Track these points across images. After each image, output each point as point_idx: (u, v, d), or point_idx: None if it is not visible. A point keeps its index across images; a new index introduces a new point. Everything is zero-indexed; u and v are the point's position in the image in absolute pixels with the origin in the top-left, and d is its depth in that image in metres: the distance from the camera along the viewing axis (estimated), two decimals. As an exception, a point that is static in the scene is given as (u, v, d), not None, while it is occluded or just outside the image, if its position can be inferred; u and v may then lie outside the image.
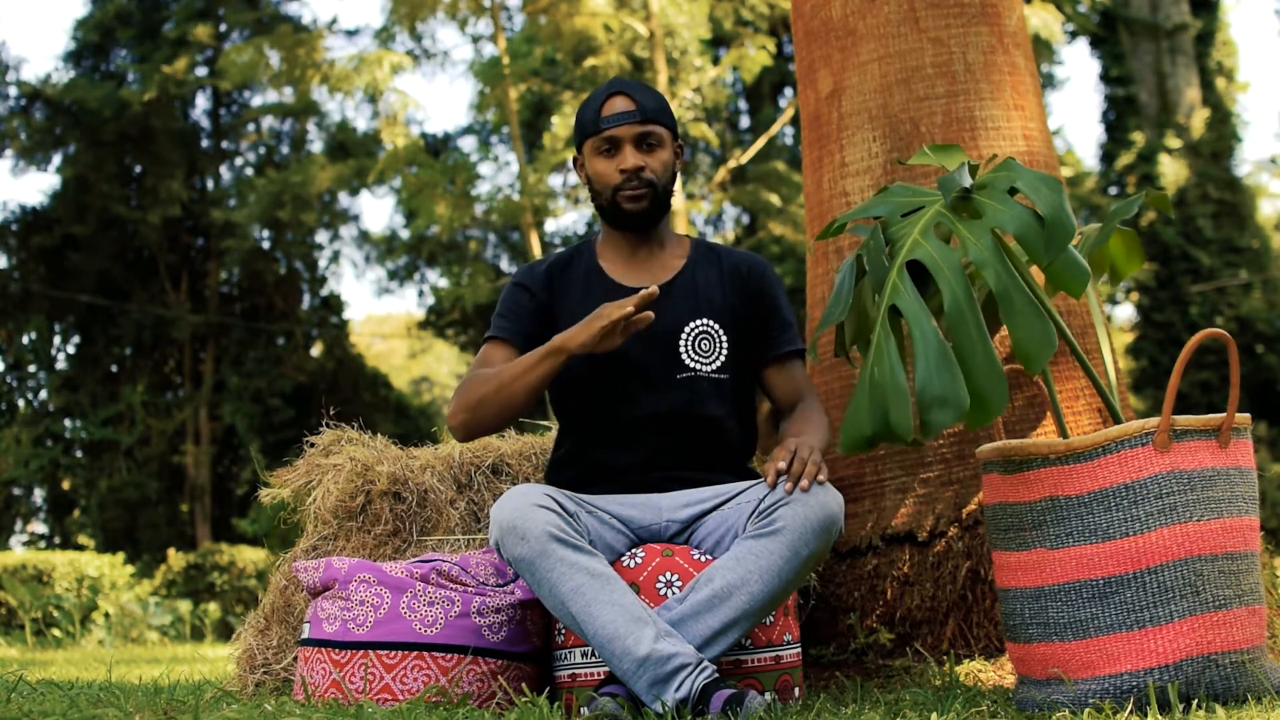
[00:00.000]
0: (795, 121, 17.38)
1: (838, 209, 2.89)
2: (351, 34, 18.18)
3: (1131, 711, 1.85)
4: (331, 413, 3.02)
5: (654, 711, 1.91)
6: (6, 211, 19.04)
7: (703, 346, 2.35)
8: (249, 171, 20.46)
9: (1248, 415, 2.05)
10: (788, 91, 19.16)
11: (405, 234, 19.14)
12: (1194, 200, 16.48)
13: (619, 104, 2.35)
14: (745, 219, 18.87)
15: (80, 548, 17.07)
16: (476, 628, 2.24)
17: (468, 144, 20.13)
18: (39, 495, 19.34)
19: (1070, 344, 2.17)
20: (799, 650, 2.27)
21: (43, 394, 19.05)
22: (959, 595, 2.59)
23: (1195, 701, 1.87)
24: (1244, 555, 1.95)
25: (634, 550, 2.22)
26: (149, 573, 14.81)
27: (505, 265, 19.65)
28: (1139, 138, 17.07)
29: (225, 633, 11.72)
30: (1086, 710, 1.86)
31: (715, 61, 17.13)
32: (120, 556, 12.94)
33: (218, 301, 19.63)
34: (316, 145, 20.27)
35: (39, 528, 19.67)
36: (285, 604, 2.74)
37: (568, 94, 15.93)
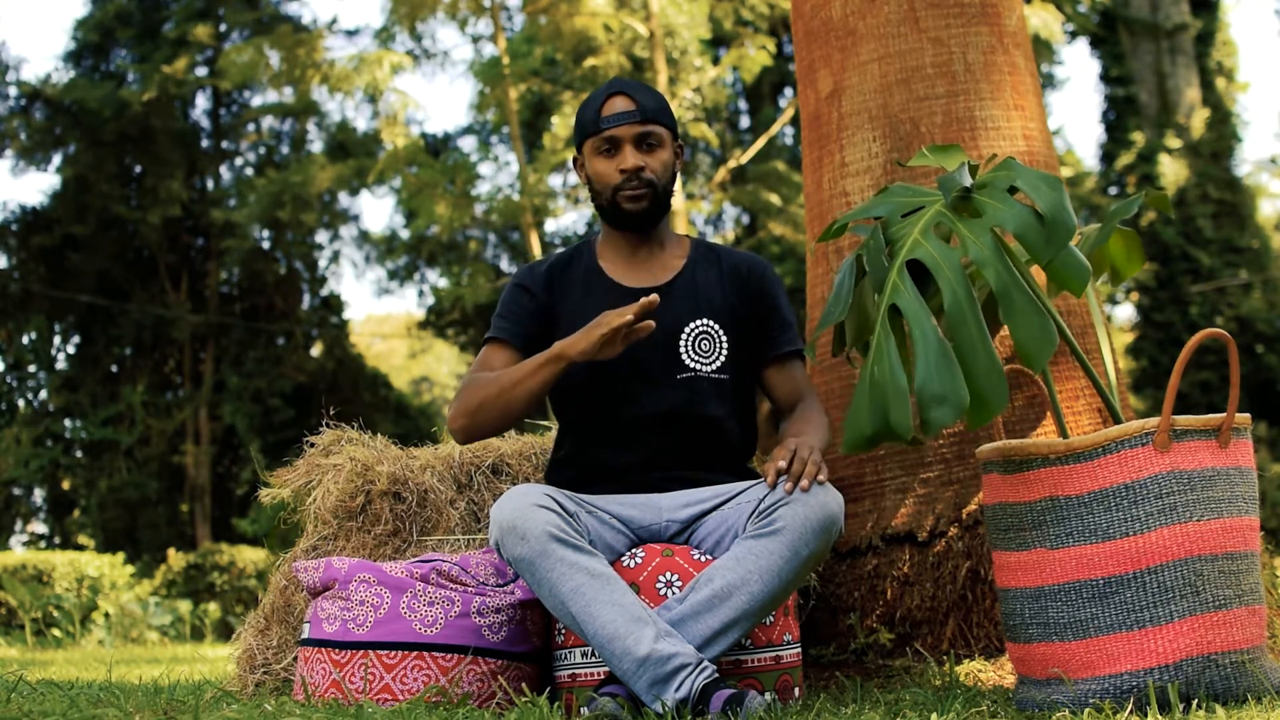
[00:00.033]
0: (795, 121, 17.38)
1: (838, 209, 2.89)
2: (351, 34, 18.20)
3: (1131, 711, 1.85)
4: (331, 413, 3.02)
5: (654, 711, 1.91)
6: (6, 211, 19.06)
7: (703, 346, 2.35)
8: (249, 171, 20.47)
9: (1248, 415, 2.05)
10: (788, 91, 19.16)
11: (405, 234, 19.15)
12: (1194, 200, 16.48)
13: (619, 104, 2.35)
14: (745, 219, 18.87)
15: (80, 548, 17.07)
16: (476, 628, 2.24)
17: (468, 144, 20.15)
18: (39, 495, 19.34)
19: (1070, 344, 2.17)
20: (799, 650, 2.27)
21: (43, 394, 19.05)
22: (959, 595, 2.59)
23: (1195, 701, 1.87)
24: (1244, 555, 1.95)
25: (634, 550, 2.22)
26: (149, 573, 14.81)
27: (505, 265, 19.66)
28: (1139, 138, 17.08)
29: (225, 633, 11.72)
30: (1086, 710, 1.86)
31: (715, 61, 17.13)
32: (120, 556, 12.94)
33: (218, 301, 19.63)
34: (316, 145, 20.28)
35: (39, 528, 19.69)
36: (285, 604, 2.74)
37: (568, 94, 15.93)
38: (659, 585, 2.14)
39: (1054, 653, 1.98)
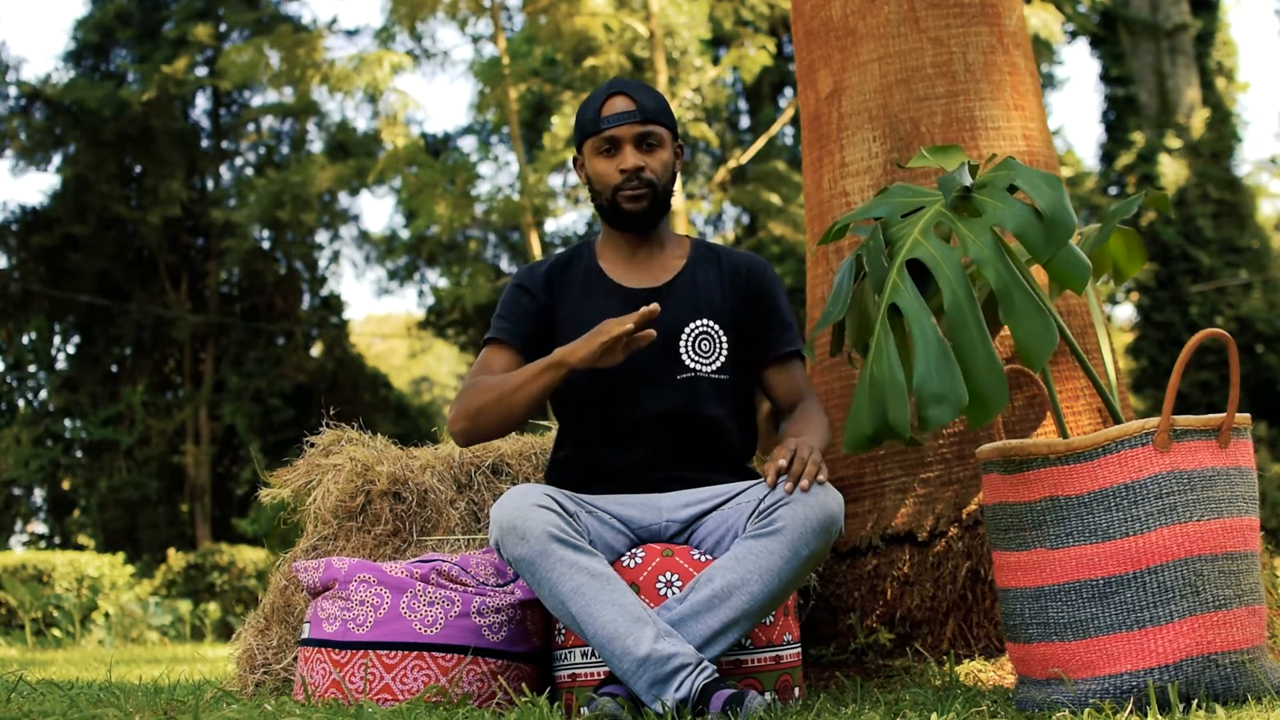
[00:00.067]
0: (795, 121, 17.38)
1: (838, 209, 2.89)
2: (351, 34, 18.20)
3: (1131, 711, 1.85)
4: (331, 413, 3.02)
5: (654, 711, 1.91)
6: (6, 211, 19.07)
7: (703, 347, 2.35)
8: (249, 171, 20.47)
9: (1248, 415, 2.05)
10: (788, 91, 19.16)
11: (405, 234, 19.15)
12: (1194, 200, 16.48)
13: (619, 104, 2.35)
14: (745, 219, 18.87)
15: (80, 548, 17.07)
16: (476, 628, 2.24)
17: (468, 144, 20.15)
18: (39, 495, 19.35)
19: (1070, 344, 2.17)
20: (799, 650, 2.27)
21: (43, 394, 19.06)
22: (959, 595, 2.59)
23: (1195, 701, 1.87)
24: (1244, 555, 1.95)
25: (634, 550, 2.22)
26: (149, 573, 14.81)
27: (505, 265, 19.66)
28: (1139, 138, 17.08)
29: (225, 633, 11.72)
30: (1086, 710, 1.86)
31: (715, 61, 17.13)
32: (120, 556, 12.94)
33: (218, 301, 19.63)
34: (316, 145, 20.29)
35: (39, 528, 19.69)
36: (285, 604, 2.74)
37: (568, 94, 15.93)
38: (659, 585, 2.14)
39: (1054, 653, 1.98)
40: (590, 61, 15.18)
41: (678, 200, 13.26)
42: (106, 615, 10.95)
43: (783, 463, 2.12)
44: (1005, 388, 1.90)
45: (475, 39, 17.05)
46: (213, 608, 12.07)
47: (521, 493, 2.13)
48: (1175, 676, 1.88)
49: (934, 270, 2.01)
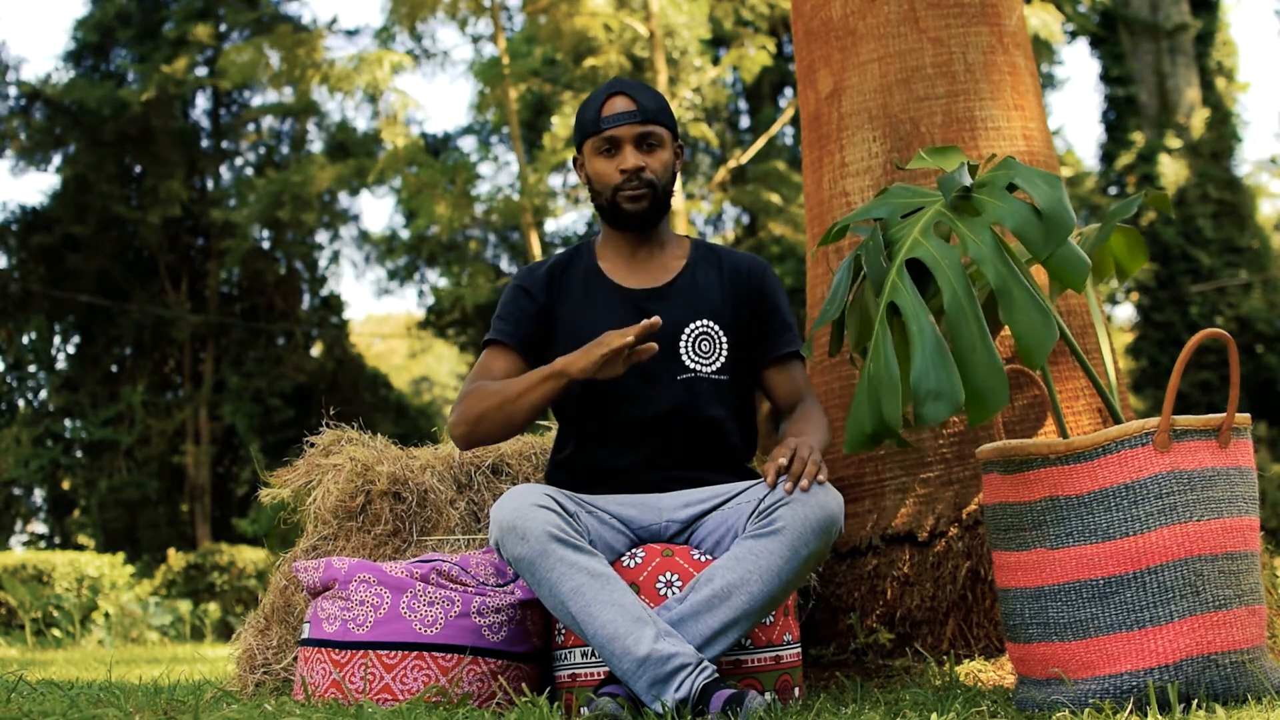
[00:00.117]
0: (795, 121, 17.38)
1: (838, 209, 2.89)
2: (351, 34, 18.20)
3: (1131, 711, 1.85)
4: (331, 413, 3.02)
5: (654, 711, 1.91)
6: (6, 211, 19.06)
7: (703, 347, 2.35)
8: (249, 171, 20.47)
9: (1248, 415, 2.06)
10: (788, 91, 19.16)
11: (405, 234, 19.15)
12: (1194, 200, 16.48)
13: (619, 104, 2.35)
14: (745, 219, 18.87)
15: (80, 548, 17.07)
16: (476, 628, 2.24)
17: (468, 144, 20.15)
18: (39, 495, 19.34)
19: (1070, 344, 2.17)
20: (799, 650, 2.27)
21: (43, 394, 19.06)
22: (959, 595, 2.59)
23: (1195, 701, 1.87)
24: (1244, 555, 1.96)
25: (634, 550, 2.22)
26: (149, 573, 14.81)
27: (505, 265, 19.66)
28: (1139, 138, 17.08)
29: (225, 633, 11.72)
30: (1086, 710, 1.86)
31: (715, 61, 17.13)
32: (120, 556, 12.94)
33: (218, 301, 19.63)
34: (316, 145, 20.28)
35: (39, 528, 19.69)
36: (285, 604, 2.74)
37: (568, 94, 15.93)
38: (659, 585, 2.14)
39: (1054, 653, 1.98)
40: (590, 61, 15.18)
41: (678, 200, 13.26)
42: (106, 615, 10.95)
43: (783, 462, 2.12)
44: (1005, 386, 1.90)
45: (475, 39, 17.06)
46: (213, 608, 12.07)
47: (521, 493, 2.13)
48: (1175, 676, 1.88)
49: (933, 269, 2.01)
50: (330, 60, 15.26)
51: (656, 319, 2.13)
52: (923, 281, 2.04)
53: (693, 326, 2.36)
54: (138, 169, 19.23)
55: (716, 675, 1.95)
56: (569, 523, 2.11)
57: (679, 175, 2.46)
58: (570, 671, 2.20)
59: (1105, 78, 17.79)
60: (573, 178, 16.10)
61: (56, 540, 19.01)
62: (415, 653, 2.21)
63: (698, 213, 17.43)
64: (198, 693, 2.45)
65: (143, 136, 18.50)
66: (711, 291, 2.40)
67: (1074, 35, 18.59)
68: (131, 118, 18.06)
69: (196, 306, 19.58)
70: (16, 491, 19.02)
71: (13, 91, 18.98)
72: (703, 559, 2.19)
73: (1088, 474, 1.96)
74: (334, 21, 23.53)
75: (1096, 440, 1.96)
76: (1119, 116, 17.54)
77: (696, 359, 2.34)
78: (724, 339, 2.37)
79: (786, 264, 16.01)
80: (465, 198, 15.22)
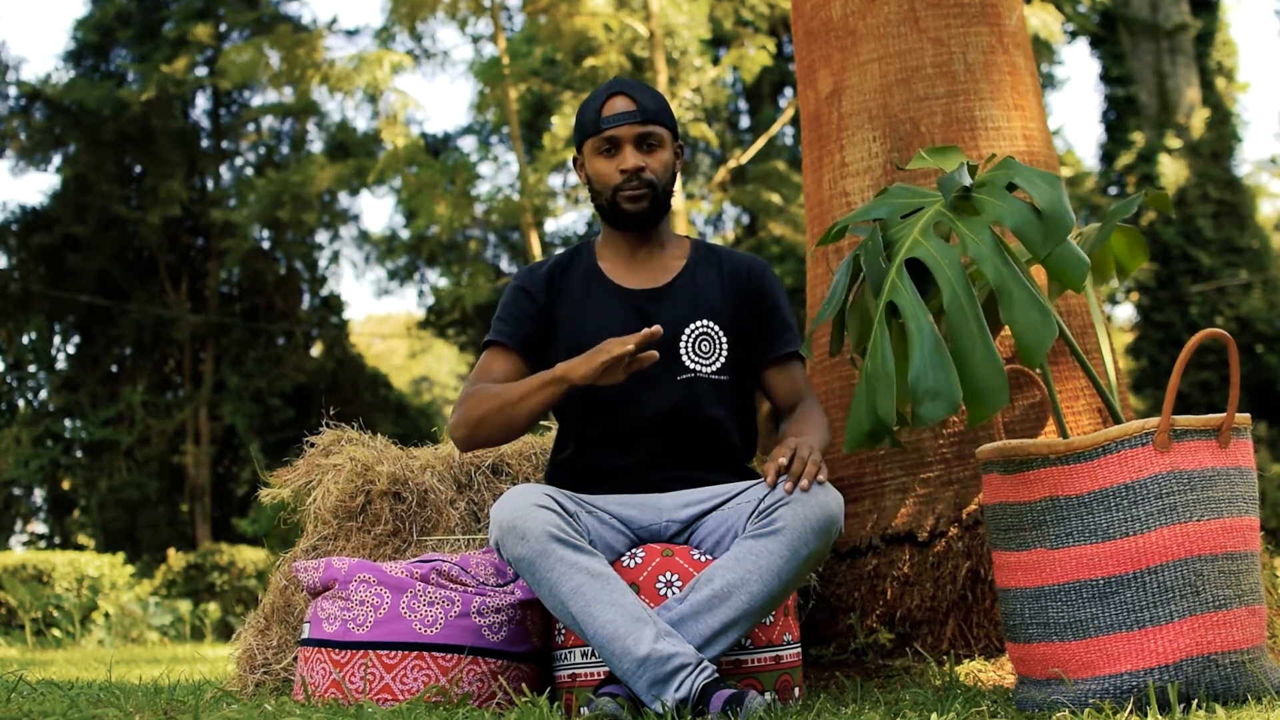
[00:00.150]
0: (795, 121, 17.38)
1: (838, 209, 2.89)
2: (351, 34, 18.19)
3: (1131, 711, 1.85)
4: (331, 413, 3.02)
5: (654, 711, 1.91)
6: (6, 211, 19.06)
7: (703, 348, 2.35)
8: (249, 171, 20.47)
9: (1248, 415, 2.06)
10: (788, 91, 19.16)
11: (405, 234, 19.15)
12: (1194, 200, 16.49)
13: (619, 104, 2.35)
14: (745, 219, 18.87)
15: (80, 548, 17.07)
16: (476, 628, 2.24)
17: (468, 144, 20.15)
18: (39, 495, 19.34)
19: (1070, 344, 2.17)
20: (799, 650, 2.27)
21: (43, 394, 19.06)
22: (959, 595, 2.59)
23: (1195, 701, 1.87)
24: (1244, 555, 1.96)
25: (634, 550, 2.22)
26: (149, 573, 14.81)
27: (505, 265, 19.66)
28: (1139, 138, 17.08)
29: (225, 633, 11.72)
30: (1086, 710, 1.86)
31: (715, 61, 17.13)
32: (120, 556, 12.94)
33: (218, 301, 19.63)
34: (316, 145, 20.28)
35: (39, 528, 19.69)
36: (285, 604, 2.74)
37: (568, 94, 15.93)
38: (659, 585, 2.14)
39: (1054, 653, 1.98)
40: (590, 61, 15.18)
41: (678, 200, 13.26)
42: (106, 615, 10.95)
43: (783, 462, 2.12)
44: (1005, 384, 1.90)
45: (475, 39, 17.06)
46: (213, 608, 12.07)
47: (521, 493, 2.13)
48: (1175, 676, 1.88)
49: (933, 268, 2.01)
50: (330, 60, 15.25)
51: (658, 328, 2.13)
52: (923, 281, 2.04)
53: (693, 327, 2.36)
54: (138, 169, 19.23)
55: (716, 675, 1.95)
56: (569, 523, 2.11)
57: (679, 175, 2.46)
58: (570, 671, 2.20)
59: (1105, 78, 17.79)
60: (573, 178, 16.11)
61: (56, 540, 19.01)
62: (415, 653, 2.21)
63: (698, 213, 17.43)
64: (198, 693, 2.45)
65: (143, 136, 18.50)
66: (711, 292, 2.40)
67: (1074, 35, 18.59)
68: (131, 118, 18.06)
69: (196, 306, 19.58)
70: (16, 491, 19.02)
71: (13, 91, 18.98)
72: (703, 559, 2.19)
73: (1088, 474, 1.96)
74: (334, 21, 23.53)
75: (1096, 440, 1.96)
76: (1119, 116, 17.54)
77: (696, 359, 2.34)
78: (724, 339, 2.37)
79: (786, 264, 16.01)
80: (465, 198, 15.22)
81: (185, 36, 18.35)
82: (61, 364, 19.19)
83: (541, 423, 3.05)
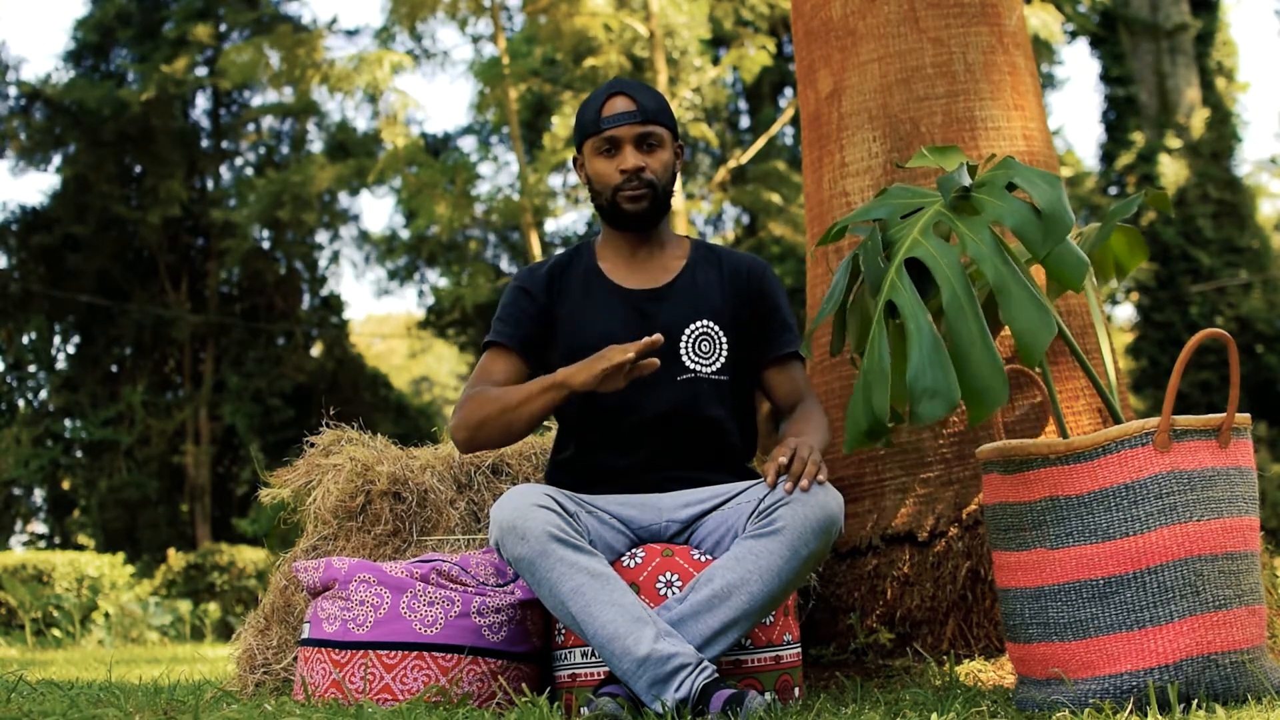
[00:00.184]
0: (795, 121, 17.38)
1: (838, 209, 2.89)
2: (351, 34, 18.19)
3: (1131, 711, 1.86)
4: (331, 413, 3.02)
5: (654, 711, 1.91)
6: (6, 211, 19.06)
7: (703, 348, 2.35)
8: (249, 171, 20.46)
9: (1248, 415, 2.06)
10: (788, 91, 19.16)
11: (405, 234, 19.15)
12: (1194, 200, 16.49)
13: (619, 104, 2.35)
14: (745, 219, 18.87)
15: (80, 548, 17.07)
16: (476, 628, 2.24)
17: (468, 144, 20.15)
18: (39, 495, 19.34)
19: (1070, 344, 2.17)
20: (799, 650, 2.27)
21: (43, 394, 19.05)
22: (959, 595, 2.59)
23: (1195, 701, 1.87)
24: (1244, 555, 1.96)
25: (634, 550, 2.22)
26: (149, 573, 14.81)
27: (505, 265, 19.66)
28: (1139, 138, 17.08)
29: (225, 633, 11.73)
30: (1086, 710, 1.86)
31: (715, 61, 17.13)
32: (120, 556, 12.94)
33: (218, 301, 19.63)
34: (316, 145, 20.28)
35: (39, 528, 19.68)
36: (285, 604, 2.74)
37: (568, 94, 15.93)
38: (659, 585, 2.14)
39: (1054, 653, 1.98)
40: (590, 61, 15.18)
41: (678, 200, 13.26)
42: (106, 615, 10.95)
43: (783, 461, 2.12)
44: (1005, 383, 1.90)
45: (475, 39, 17.06)
46: (213, 608, 12.07)
47: (521, 493, 2.13)
48: (1175, 676, 1.88)
49: (932, 267, 2.01)
50: (330, 60, 15.25)
51: (658, 336, 2.13)
52: (922, 281, 2.04)
53: (693, 327, 2.36)
54: (138, 169, 19.23)
55: (716, 675, 1.95)
56: (569, 523, 2.11)
57: (679, 175, 2.46)
58: (570, 671, 2.20)
59: (1105, 78, 17.79)
60: (573, 178, 16.11)
61: (56, 540, 19.00)
62: (415, 653, 2.21)
63: (698, 213, 17.43)
64: (198, 693, 2.45)
65: (143, 136, 18.50)
66: (711, 292, 2.40)
67: (1074, 35, 18.59)
68: (131, 118, 18.06)
69: (196, 306, 19.58)
70: (16, 491, 19.02)
71: (13, 91, 18.98)
72: (703, 559, 2.19)
73: (1088, 474, 1.96)
74: (334, 21, 23.53)
75: (1096, 440, 1.96)
76: (1119, 116, 17.54)
77: (697, 359, 2.34)
78: (724, 339, 2.37)
79: (786, 264, 16.01)
80: (465, 198, 15.22)
81: (185, 36, 18.35)
82: (61, 364, 19.20)
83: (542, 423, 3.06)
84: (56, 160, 19.00)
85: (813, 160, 3.01)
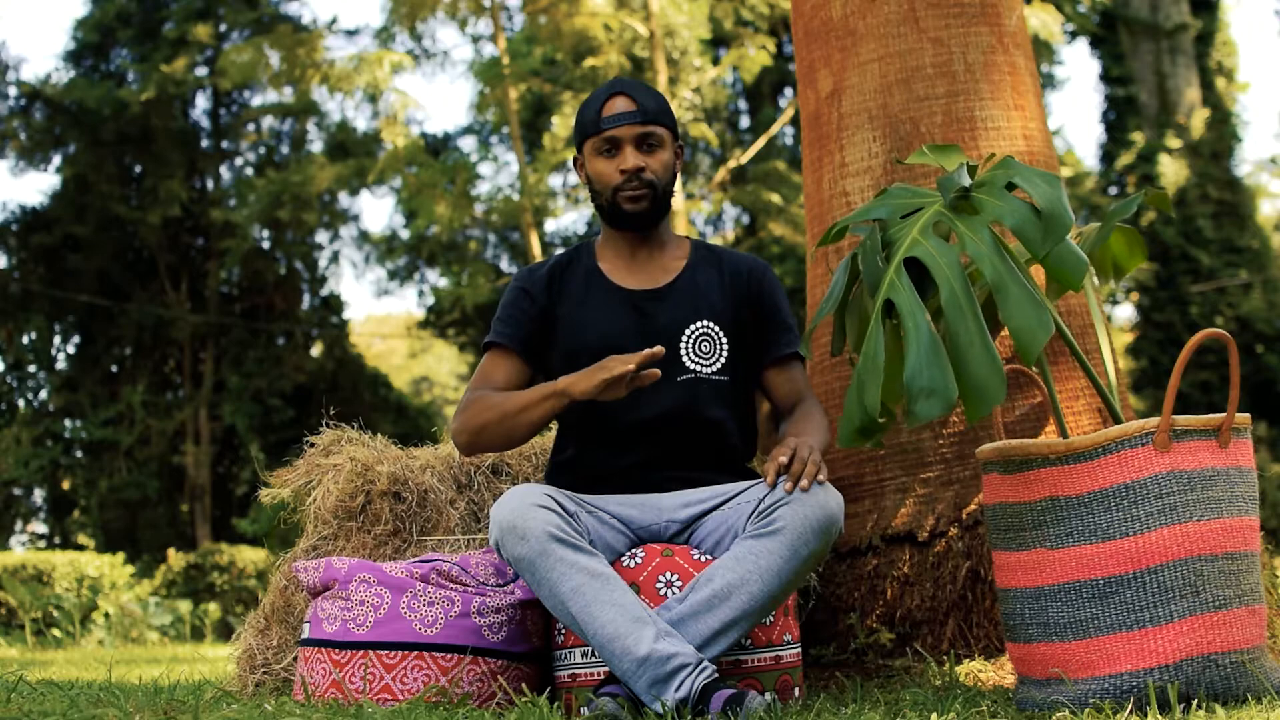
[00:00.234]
0: (795, 121, 17.38)
1: (838, 209, 2.89)
2: (351, 34, 18.18)
3: (1131, 711, 1.86)
4: (331, 413, 3.02)
5: (654, 711, 1.91)
6: (6, 211, 19.03)
7: (703, 348, 2.35)
8: (249, 171, 20.45)
9: (1248, 415, 2.06)
10: (788, 91, 19.16)
11: (405, 234, 19.14)
12: (1194, 200, 16.49)
13: (620, 104, 2.35)
14: (745, 219, 18.87)
15: (80, 548, 17.06)
16: (476, 628, 2.24)
17: (468, 144, 20.14)
18: (39, 495, 19.33)
19: (1070, 344, 2.17)
20: (799, 650, 2.27)
21: (43, 394, 19.05)
22: (959, 595, 2.59)
23: (1195, 701, 1.87)
24: (1244, 555, 1.96)
25: (634, 550, 2.22)
26: (149, 573, 14.81)
27: (505, 265, 19.66)
28: (1139, 138, 17.08)
29: (225, 633, 11.73)
30: (1086, 710, 1.86)
31: (715, 61, 17.13)
32: (120, 556, 12.93)
33: (218, 301, 19.62)
34: (316, 145, 20.27)
35: (39, 528, 19.68)
36: (285, 604, 2.74)
37: (568, 94, 15.93)
38: (659, 585, 2.14)
39: (1054, 653, 1.98)
40: (590, 61, 15.18)
41: (678, 200, 13.26)
42: (106, 615, 10.95)
43: (783, 461, 2.12)
44: (1003, 381, 1.90)
45: (475, 39, 17.07)
46: (213, 608, 12.07)
47: (521, 493, 2.13)
48: (1175, 676, 1.88)
49: (931, 267, 2.01)
50: (330, 60, 15.25)
51: (660, 348, 2.13)
52: (922, 281, 2.04)
53: (693, 328, 2.36)
54: (138, 169, 19.22)
55: (716, 675, 1.95)
56: (569, 523, 2.11)
57: (679, 175, 2.46)
58: (570, 671, 2.20)
59: (1105, 78, 17.80)
60: (573, 178, 16.11)
61: (56, 540, 18.99)
62: (415, 653, 2.21)
63: (698, 213, 17.43)
64: (198, 693, 2.46)
65: (143, 136, 18.49)
66: (712, 292, 2.40)
67: (1074, 35, 18.59)
68: (131, 118, 18.05)
69: (196, 306, 19.57)
70: (16, 491, 19.01)
71: (13, 91, 18.97)
72: (703, 559, 2.19)
73: (1088, 474, 1.96)
74: (334, 21, 23.52)
75: (1096, 440, 1.96)
76: (1119, 116, 17.54)
77: (697, 360, 2.34)
78: (724, 340, 2.37)
79: (786, 264, 16.01)
80: (465, 198, 15.21)
81: (185, 36, 18.33)
82: (61, 364, 19.19)
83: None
84: (56, 160, 18.99)
85: (813, 160, 3.01)
